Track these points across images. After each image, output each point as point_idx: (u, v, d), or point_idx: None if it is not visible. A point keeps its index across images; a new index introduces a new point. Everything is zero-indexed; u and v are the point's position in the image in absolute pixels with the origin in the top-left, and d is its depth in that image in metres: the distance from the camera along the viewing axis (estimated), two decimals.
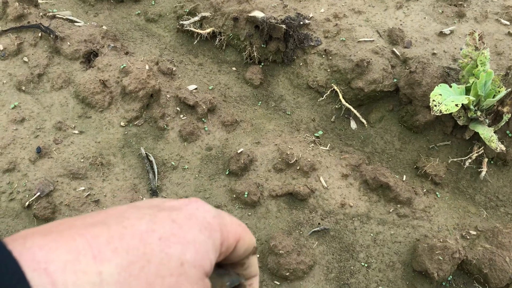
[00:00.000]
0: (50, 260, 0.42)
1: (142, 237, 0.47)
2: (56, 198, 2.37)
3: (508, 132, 2.58)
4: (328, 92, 2.90)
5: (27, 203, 2.33)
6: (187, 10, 3.18)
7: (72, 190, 2.41)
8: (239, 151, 2.54)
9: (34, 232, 0.45)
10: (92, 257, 0.44)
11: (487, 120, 2.51)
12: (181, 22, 3.10)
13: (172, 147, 2.65)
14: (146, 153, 2.57)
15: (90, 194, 2.41)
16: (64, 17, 3.07)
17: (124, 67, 2.75)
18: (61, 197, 2.37)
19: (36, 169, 2.45)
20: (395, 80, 2.83)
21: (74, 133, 2.61)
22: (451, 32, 3.08)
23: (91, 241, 0.45)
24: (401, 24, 3.12)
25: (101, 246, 0.45)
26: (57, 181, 2.42)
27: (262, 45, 2.99)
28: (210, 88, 2.95)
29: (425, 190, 2.57)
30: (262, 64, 3.09)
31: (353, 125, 2.88)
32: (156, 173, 2.52)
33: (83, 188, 2.42)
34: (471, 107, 2.51)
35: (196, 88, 2.88)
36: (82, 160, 2.51)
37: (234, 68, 3.09)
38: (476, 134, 2.59)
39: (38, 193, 2.33)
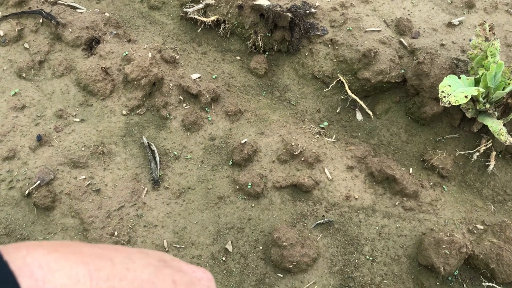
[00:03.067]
0: (48, 281, 0.43)
1: (141, 284, 0.49)
2: (57, 186, 2.33)
3: None
4: (334, 82, 2.85)
5: (27, 192, 2.29)
6: None
7: (73, 179, 2.37)
8: (242, 142, 2.49)
9: (39, 246, 0.46)
10: None
11: (496, 113, 2.46)
12: (184, 9, 3.05)
13: (174, 136, 2.60)
14: (148, 142, 2.53)
15: (91, 183, 2.37)
16: (66, 3, 3.01)
17: (126, 54, 2.70)
18: (61, 186, 2.33)
19: (36, 157, 2.41)
20: (402, 71, 2.77)
21: (75, 121, 2.57)
22: (460, 22, 3.02)
23: (92, 272, 0.46)
24: (409, 14, 3.05)
25: (100, 281, 0.46)
26: (58, 169, 2.38)
27: (267, 34, 2.93)
28: (214, 77, 2.90)
29: (431, 183, 2.53)
30: (267, 53, 3.03)
31: (359, 116, 2.83)
32: (158, 162, 2.48)
33: (83, 177, 2.38)
34: (480, 99, 2.45)
35: (199, 77, 2.83)
36: (83, 149, 2.47)
37: (238, 57, 3.04)
38: (485, 127, 2.54)
39: (38, 182, 2.29)
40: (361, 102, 2.78)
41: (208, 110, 2.70)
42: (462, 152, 2.61)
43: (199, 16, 3.02)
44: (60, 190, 2.32)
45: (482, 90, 2.37)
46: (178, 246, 2.27)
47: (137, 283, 0.48)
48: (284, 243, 2.18)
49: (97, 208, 2.29)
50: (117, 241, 2.21)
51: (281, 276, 2.22)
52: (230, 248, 2.28)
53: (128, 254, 0.52)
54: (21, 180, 2.34)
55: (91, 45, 2.85)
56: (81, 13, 2.95)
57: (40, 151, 2.43)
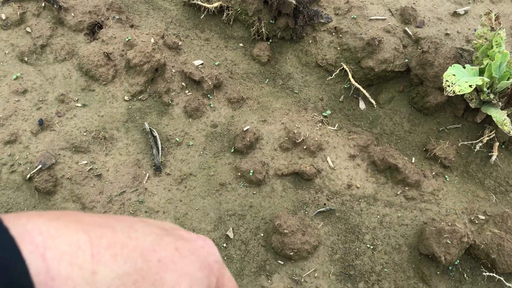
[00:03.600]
0: (49, 247, 0.42)
1: (143, 253, 0.48)
2: (58, 171, 2.32)
3: None
4: (337, 71, 2.83)
5: (28, 176, 2.29)
6: None
7: (74, 163, 2.36)
8: (245, 129, 2.48)
9: (40, 216, 0.45)
10: (90, 255, 0.44)
11: (500, 103, 2.45)
12: None
13: (176, 123, 2.59)
14: (150, 128, 2.52)
15: (93, 168, 2.37)
16: None
17: (129, 40, 2.69)
18: (63, 171, 2.33)
19: (38, 142, 2.40)
20: (406, 60, 2.75)
21: (77, 106, 2.56)
22: (466, 12, 2.99)
23: (93, 240, 0.45)
24: (414, 3, 3.03)
25: (102, 248, 0.45)
26: (59, 154, 2.37)
27: (271, 21, 2.91)
28: (217, 64, 2.88)
29: (434, 173, 2.52)
30: (270, 40, 3.01)
31: (362, 105, 2.82)
32: (160, 148, 2.47)
33: (85, 162, 2.38)
34: (484, 89, 2.44)
35: (202, 64, 2.81)
36: (84, 134, 2.46)
37: (241, 44, 3.02)
38: (488, 117, 2.53)
39: (40, 166, 2.29)
40: (364, 91, 2.76)
41: (210, 97, 2.69)
42: (465, 143, 2.60)
43: (202, 2, 2.99)
44: (61, 175, 2.32)
45: (486, 80, 2.35)
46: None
47: (139, 250, 0.48)
48: (285, 231, 2.18)
49: (99, 193, 2.29)
50: None
51: (282, 263, 2.23)
52: (231, 234, 2.28)
53: (130, 223, 0.51)
54: (23, 164, 2.33)
55: (93, 30, 2.83)
56: None
57: (42, 136, 2.42)
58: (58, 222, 0.45)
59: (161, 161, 2.45)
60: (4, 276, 0.38)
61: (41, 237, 0.42)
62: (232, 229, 2.30)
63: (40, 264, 0.41)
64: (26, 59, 2.66)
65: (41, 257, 0.41)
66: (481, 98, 2.48)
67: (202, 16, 3.05)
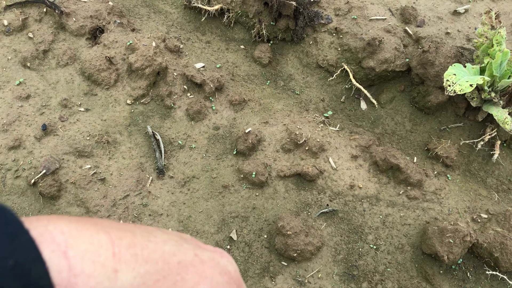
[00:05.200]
0: (70, 246, 0.43)
1: (163, 255, 0.49)
2: (62, 176, 2.34)
3: None
4: (338, 71, 2.84)
5: (32, 181, 2.31)
6: None
7: (78, 168, 2.38)
8: (247, 131, 2.50)
9: (60, 218, 0.46)
10: (112, 254, 0.45)
11: (501, 102, 2.45)
12: None
13: (179, 126, 2.61)
14: (152, 132, 2.53)
15: (96, 172, 2.38)
16: None
17: (130, 44, 2.70)
18: (67, 175, 2.35)
19: (42, 147, 2.42)
20: (407, 59, 2.76)
21: (80, 110, 2.58)
22: (466, 11, 2.99)
23: (114, 240, 0.46)
24: (414, 2, 3.03)
25: (122, 248, 0.46)
26: (63, 158, 2.39)
27: (271, 23, 2.92)
28: (218, 66, 2.89)
29: (436, 172, 2.53)
30: (271, 42, 3.02)
31: (363, 105, 2.83)
32: (163, 152, 2.49)
33: (89, 166, 2.39)
34: (486, 88, 2.44)
35: (203, 66, 2.82)
36: (88, 138, 2.48)
37: (242, 46, 3.03)
38: (489, 116, 2.53)
39: (44, 171, 2.30)
40: (365, 91, 2.77)
41: (212, 100, 2.71)
42: (467, 141, 2.61)
43: (203, 5, 3.00)
44: (65, 179, 2.34)
45: (487, 79, 2.35)
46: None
47: (159, 253, 0.48)
48: (288, 232, 2.19)
49: (103, 197, 2.31)
50: None
51: (286, 264, 2.24)
52: (234, 236, 2.30)
53: (148, 230, 0.52)
54: (27, 169, 2.35)
55: (95, 34, 2.85)
56: (85, 2, 2.94)
57: (45, 141, 2.44)
58: (78, 224, 0.46)
59: (164, 164, 2.46)
60: (24, 279, 0.39)
61: (62, 237, 0.43)
62: (236, 231, 2.31)
63: (62, 262, 0.42)
64: (28, 64, 2.68)
65: (63, 255, 0.42)
66: (482, 97, 2.48)
67: (203, 19, 3.06)
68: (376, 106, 2.80)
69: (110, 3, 2.95)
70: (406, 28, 2.87)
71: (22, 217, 0.44)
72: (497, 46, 2.42)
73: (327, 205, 2.39)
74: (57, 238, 0.43)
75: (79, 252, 0.43)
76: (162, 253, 0.49)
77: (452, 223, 2.21)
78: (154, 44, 2.69)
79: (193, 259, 0.51)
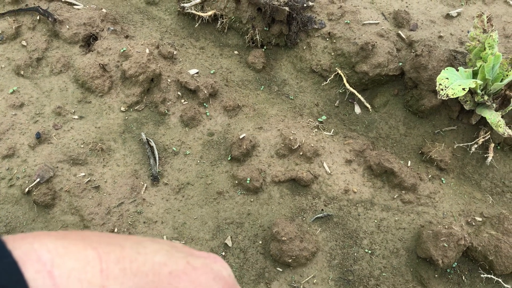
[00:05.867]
0: (56, 264, 0.42)
1: (153, 266, 0.48)
2: (56, 184, 2.34)
3: None
4: (332, 76, 2.85)
5: (27, 189, 2.30)
6: None
7: (72, 176, 2.38)
8: (241, 137, 2.50)
9: (47, 235, 0.46)
10: (99, 270, 0.44)
11: (494, 105, 2.46)
12: (182, 4, 3.04)
13: (173, 132, 2.61)
14: (147, 139, 2.53)
15: (91, 180, 2.38)
16: (62, 0, 3.00)
17: (124, 51, 2.70)
18: (61, 183, 2.35)
19: (36, 155, 2.41)
20: (400, 63, 2.77)
21: (74, 118, 2.57)
22: (458, 14, 3.01)
23: (102, 255, 0.45)
24: (406, 6, 3.04)
25: (110, 263, 0.45)
26: (57, 167, 2.39)
27: (265, 28, 2.93)
28: (212, 72, 2.89)
29: (430, 176, 2.53)
30: (265, 47, 3.03)
31: (357, 109, 2.83)
32: (157, 158, 2.49)
33: (83, 174, 2.39)
34: (478, 91, 2.45)
35: (197, 72, 2.83)
36: (82, 146, 2.48)
37: (236, 52, 3.04)
38: (483, 119, 2.54)
39: (38, 179, 2.30)
40: (359, 96, 2.78)
41: (206, 106, 2.71)
42: (461, 144, 2.61)
43: (196, 11, 3.01)
44: (59, 188, 2.34)
45: (480, 82, 2.36)
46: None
47: (149, 265, 0.48)
48: (283, 238, 2.19)
49: (97, 205, 2.31)
50: None
51: (281, 270, 2.24)
52: (229, 243, 2.29)
53: (138, 241, 0.51)
54: (21, 178, 2.35)
55: (88, 41, 2.85)
56: (78, 9, 2.94)
57: (39, 149, 2.44)
58: (65, 241, 0.45)
59: (158, 171, 2.46)
60: None
61: (48, 255, 0.43)
62: (231, 237, 2.31)
63: (48, 281, 0.41)
64: (22, 72, 2.68)
65: (48, 274, 0.42)
66: (476, 100, 2.49)
67: (196, 25, 3.07)
68: (370, 110, 2.80)
69: (104, 10, 2.96)
70: (399, 32, 2.88)
71: (8, 236, 0.44)
72: (489, 49, 2.43)
73: (322, 210, 2.39)
74: (42, 257, 0.42)
75: (65, 270, 0.43)
76: (152, 265, 0.48)
77: (446, 226, 2.21)
78: (147, 50, 2.70)
79: (185, 267, 0.50)
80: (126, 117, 2.62)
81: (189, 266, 0.51)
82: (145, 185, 2.42)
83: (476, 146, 2.55)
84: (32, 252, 0.42)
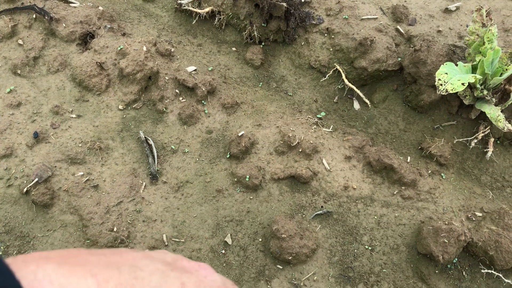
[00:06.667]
0: None
1: None
2: (55, 183, 2.33)
3: None
4: (331, 72, 2.83)
5: (25, 189, 2.29)
6: None
7: (71, 175, 2.37)
8: (240, 134, 2.49)
9: (48, 260, 0.48)
10: None
11: (493, 99, 2.45)
12: (179, 1, 3.02)
13: (171, 130, 2.60)
14: (145, 137, 2.52)
15: (89, 179, 2.37)
16: None
17: (121, 48, 2.69)
18: (59, 183, 2.34)
19: (34, 154, 2.40)
20: (399, 59, 2.75)
21: (72, 117, 2.56)
22: (457, 8, 2.99)
23: (101, 283, 0.47)
24: (405, 1, 3.02)
25: None
26: (55, 166, 2.38)
27: (263, 24, 2.91)
28: (210, 69, 2.88)
29: (430, 171, 2.53)
30: (263, 44, 3.01)
31: (356, 105, 2.82)
32: (155, 157, 2.48)
33: (81, 173, 2.38)
34: (478, 85, 2.44)
35: (195, 70, 2.81)
36: (80, 145, 2.46)
37: (234, 48, 3.02)
38: (482, 113, 2.53)
39: (36, 179, 2.29)
40: (358, 91, 2.77)
41: (204, 103, 2.69)
42: (460, 139, 2.60)
43: (193, 7, 2.99)
44: (58, 187, 2.33)
45: (479, 77, 2.35)
46: (177, 240, 2.28)
47: None
48: (283, 235, 2.18)
49: (96, 204, 2.30)
50: (117, 236, 2.21)
51: (281, 267, 2.23)
52: (229, 241, 2.29)
53: (134, 261, 0.54)
54: (19, 177, 2.34)
55: (85, 39, 2.83)
56: (75, 7, 2.92)
57: (37, 148, 2.43)
58: (66, 268, 0.47)
59: (157, 170, 2.45)
60: None
61: (51, 287, 0.45)
62: (230, 235, 2.31)
63: None
64: (19, 71, 2.66)
65: None
66: (475, 95, 2.48)
67: (194, 22, 3.05)
68: (369, 106, 2.79)
69: (100, 8, 2.94)
70: (398, 27, 2.86)
71: (11, 260, 0.46)
72: (489, 43, 2.42)
73: (322, 207, 2.38)
74: None
75: None
76: None
77: (446, 222, 2.20)
78: (145, 48, 2.68)
79: None
80: (124, 116, 2.61)
81: None
82: (144, 183, 2.41)
83: (475, 141, 2.54)
84: (36, 283, 0.44)
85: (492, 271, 2.20)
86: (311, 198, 2.40)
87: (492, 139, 2.54)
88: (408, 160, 2.57)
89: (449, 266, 2.25)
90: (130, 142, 2.53)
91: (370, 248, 2.30)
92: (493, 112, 2.35)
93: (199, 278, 0.56)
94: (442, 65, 2.38)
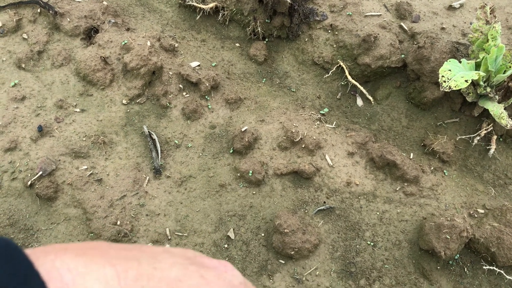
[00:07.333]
0: (77, 284, 0.44)
1: (169, 283, 0.50)
2: (59, 177, 2.34)
3: None
4: (334, 68, 2.84)
5: (29, 182, 2.30)
6: None
7: (75, 169, 2.38)
8: (243, 129, 2.49)
9: (66, 250, 0.48)
10: None
11: (497, 97, 2.45)
12: None
13: (175, 125, 2.60)
14: (149, 131, 2.53)
15: (93, 173, 2.38)
16: None
17: (125, 43, 2.69)
18: (63, 176, 2.35)
19: (38, 148, 2.41)
20: (402, 55, 2.76)
21: (76, 111, 2.57)
22: (461, 5, 2.99)
23: (120, 273, 0.47)
24: None
25: (129, 281, 0.47)
26: (59, 160, 2.39)
27: (266, 20, 2.91)
28: (213, 64, 2.89)
29: (432, 168, 2.53)
30: (266, 39, 3.01)
31: (359, 102, 2.83)
32: (159, 151, 2.48)
33: (85, 167, 2.39)
34: (481, 83, 2.44)
35: (199, 65, 2.82)
36: (84, 139, 2.47)
37: (237, 44, 3.02)
38: (485, 111, 2.53)
39: (40, 172, 2.30)
40: (361, 88, 2.77)
41: (208, 98, 2.70)
42: (463, 137, 2.61)
43: (197, 3, 2.99)
44: (62, 181, 2.34)
45: (482, 74, 2.35)
46: (180, 234, 2.29)
47: (165, 282, 0.49)
48: (285, 230, 2.19)
49: (100, 198, 2.31)
50: (120, 230, 2.23)
51: (283, 262, 2.24)
52: (232, 235, 2.30)
53: (153, 254, 0.53)
54: (23, 171, 2.35)
55: (89, 34, 2.84)
56: (79, 2, 2.93)
57: (42, 142, 2.44)
58: (85, 258, 0.47)
59: (160, 164, 2.46)
60: None
61: (70, 275, 0.44)
62: (233, 229, 2.32)
63: None
64: (23, 65, 2.67)
65: None
66: (478, 92, 2.48)
67: (197, 17, 3.06)
68: (372, 102, 2.79)
69: (105, 2, 2.94)
70: (402, 23, 2.86)
71: (30, 251, 0.46)
72: (492, 41, 2.42)
73: (324, 202, 2.39)
74: (64, 277, 0.44)
75: None
76: (168, 281, 0.50)
77: (449, 218, 2.21)
78: (149, 43, 2.69)
79: (199, 283, 0.52)
80: (128, 110, 2.62)
81: (203, 281, 0.53)
82: (148, 178, 2.42)
83: (478, 138, 2.54)
84: (54, 271, 0.44)
85: (494, 268, 2.21)
86: (313, 194, 2.41)
87: (495, 137, 2.55)
88: (411, 157, 2.58)
89: (451, 262, 2.26)
90: (133, 136, 2.54)
91: (372, 243, 2.31)
92: (496, 109, 2.36)
93: (219, 272, 0.56)
94: (445, 62, 2.38)
